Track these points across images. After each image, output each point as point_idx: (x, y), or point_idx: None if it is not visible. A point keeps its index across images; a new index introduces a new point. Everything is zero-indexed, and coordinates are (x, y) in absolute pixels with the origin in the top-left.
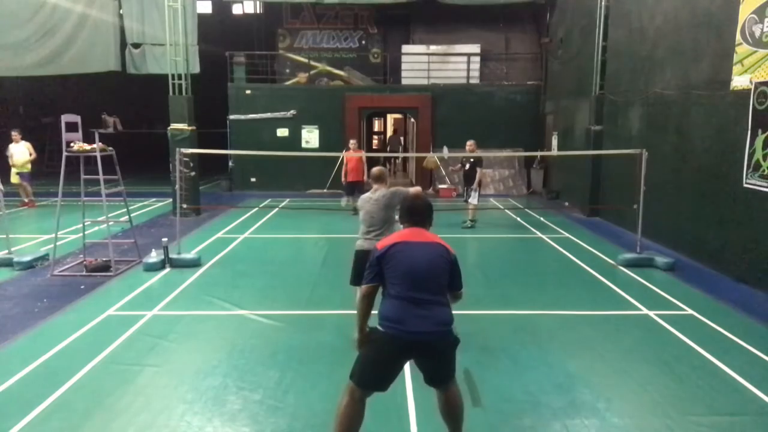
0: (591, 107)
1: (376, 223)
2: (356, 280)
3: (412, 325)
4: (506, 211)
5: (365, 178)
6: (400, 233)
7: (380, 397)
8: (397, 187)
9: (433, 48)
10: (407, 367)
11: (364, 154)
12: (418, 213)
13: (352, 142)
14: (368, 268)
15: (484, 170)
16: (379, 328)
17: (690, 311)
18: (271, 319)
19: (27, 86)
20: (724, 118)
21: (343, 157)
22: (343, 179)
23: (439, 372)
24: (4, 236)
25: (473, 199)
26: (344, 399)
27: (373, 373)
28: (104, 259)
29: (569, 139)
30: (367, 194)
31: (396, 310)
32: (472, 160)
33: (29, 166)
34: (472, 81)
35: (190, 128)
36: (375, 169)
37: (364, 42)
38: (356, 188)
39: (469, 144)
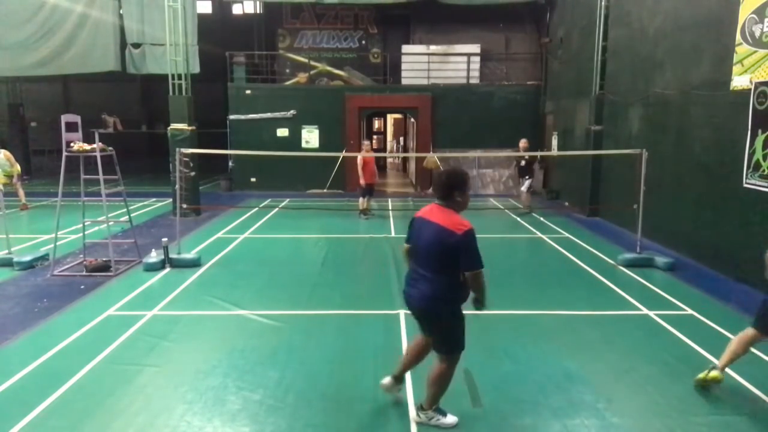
0: (591, 107)
1: None
2: None
3: (409, 292)
4: (506, 211)
5: (378, 179)
6: (424, 208)
7: (380, 397)
8: None
9: (433, 48)
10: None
11: (373, 155)
12: (436, 188)
13: (366, 144)
14: (408, 229)
15: (484, 171)
16: None
17: (690, 311)
18: (271, 319)
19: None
20: (724, 118)
21: (359, 159)
22: (361, 181)
23: (432, 336)
24: (4, 236)
25: (523, 187)
26: None
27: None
28: (104, 259)
29: (569, 139)
30: None
31: (407, 276)
32: (527, 157)
33: (16, 170)
34: (472, 81)
35: (190, 128)
36: None
37: (364, 42)
38: (372, 190)
39: (523, 143)
